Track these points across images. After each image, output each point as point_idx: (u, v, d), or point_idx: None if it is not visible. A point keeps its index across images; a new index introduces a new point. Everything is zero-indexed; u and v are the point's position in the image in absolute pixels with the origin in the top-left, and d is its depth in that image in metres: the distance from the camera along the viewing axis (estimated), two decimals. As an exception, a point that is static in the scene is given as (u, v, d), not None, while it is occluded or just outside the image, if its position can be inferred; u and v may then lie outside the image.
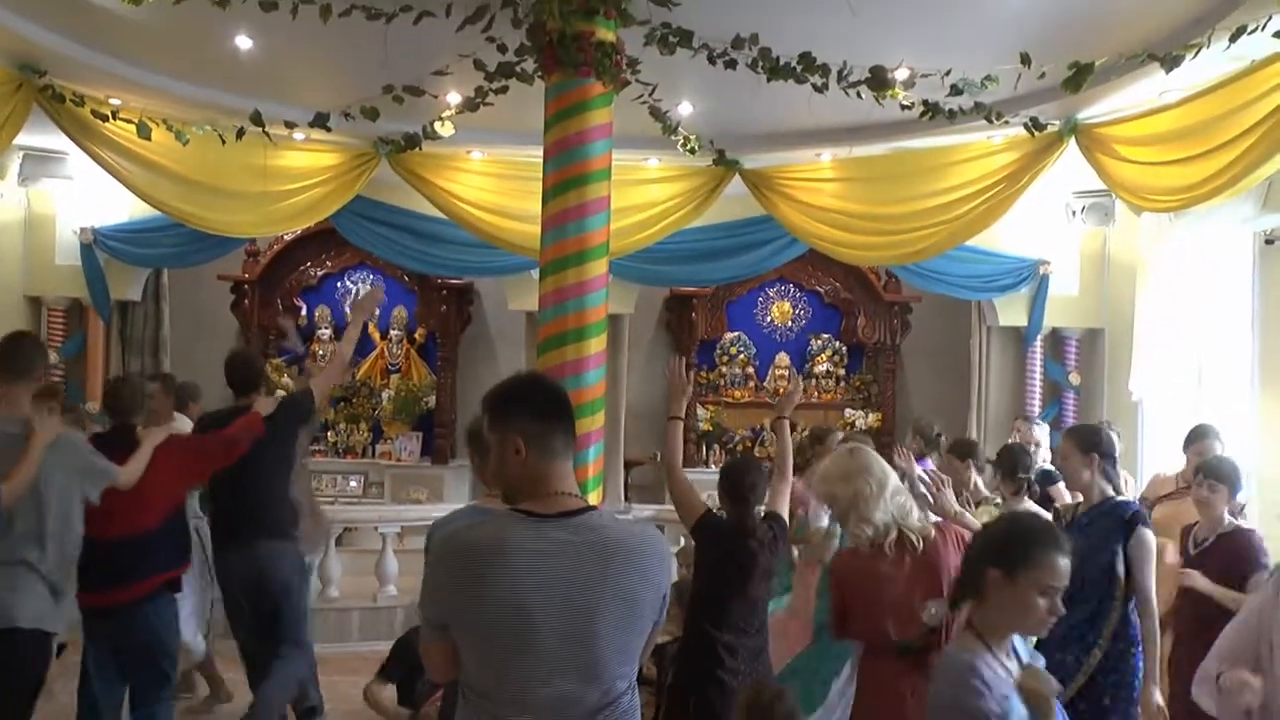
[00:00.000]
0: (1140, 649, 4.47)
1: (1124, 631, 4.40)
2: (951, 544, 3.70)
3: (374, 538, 8.97)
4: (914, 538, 3.65)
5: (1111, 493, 4.66)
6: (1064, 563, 2.71)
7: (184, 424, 6.23)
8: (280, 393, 6.52)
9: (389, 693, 5.90)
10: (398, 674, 5.90)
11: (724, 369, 11.53)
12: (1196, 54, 5.54)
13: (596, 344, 5.89)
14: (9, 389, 4.58)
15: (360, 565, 8.92)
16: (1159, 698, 4.32)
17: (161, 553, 5.18)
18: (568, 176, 5.81)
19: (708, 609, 4.57)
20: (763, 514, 4.74)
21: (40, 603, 4.54)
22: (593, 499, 5.81)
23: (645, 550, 2.55)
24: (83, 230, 9.44)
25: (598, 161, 5.86)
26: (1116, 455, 4.85)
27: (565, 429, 2.61)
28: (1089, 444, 4.65)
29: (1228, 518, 5.07)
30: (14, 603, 4.48)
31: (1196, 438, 6.15)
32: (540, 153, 6.02)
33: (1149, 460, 8.53)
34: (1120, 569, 4.42)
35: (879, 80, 6.08)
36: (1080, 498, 4.77)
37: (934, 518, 3.85)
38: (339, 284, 11.58)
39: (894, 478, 3.76)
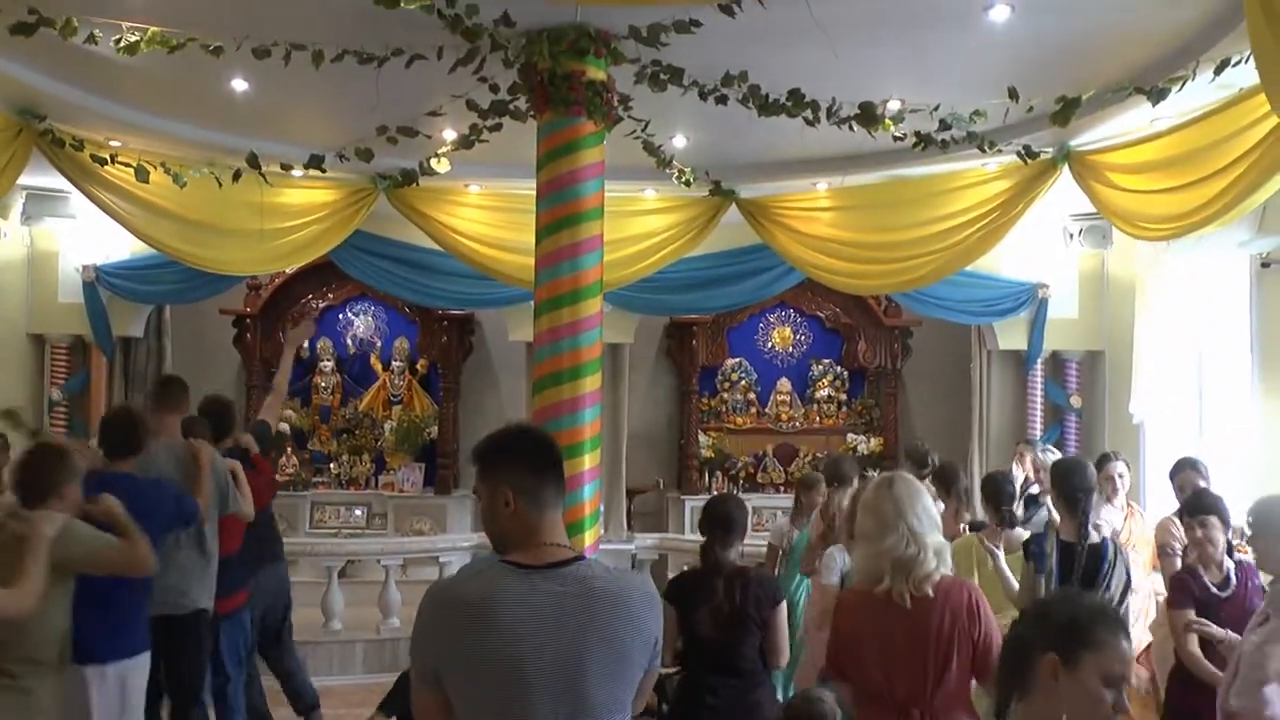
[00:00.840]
0: None
1: None
2: (955, 606, 3.42)
3: (377, 569, 9.00)
4: (904, 593, 3.43)
5: (1065, 524, 4.95)
6: (1127, 646, 2.31)
7: None
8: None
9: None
10: (398, 708, 5.90)
11: (725, 395, 11.53)
12: (1182, 86, 5.58)
13: (591, 382, 5.88)
14: (168, 420, 5.59)
15: (363, 597, 8.94)
16: None
17: (247, 567, 6.12)
18: (560, 216, 5.84)
19: (690, 649, 4.61)
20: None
21: (211, 588, 5.53)
22: (589, 536, 5.84)
23: (633, 599, 2.56)
24: (85, 268, 9.49)
25: (590, 200, 5.89)
26: (1079, 489, 4.91)
27: (556, 480, 2.63)
28: (1049, 477, 5.03)
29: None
30: (201, 589, 5.45)
31: (1176, 470, 6.17)
32: (537, 185, 6.07)
33: (1151, 483, 8.51)
34: None
35: (868, 116, 6.11)
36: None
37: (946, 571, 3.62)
38: (340, 316, 11.63)
39: (903, 528, 3.48)
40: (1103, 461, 6.74)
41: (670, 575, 9.45)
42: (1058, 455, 7.50)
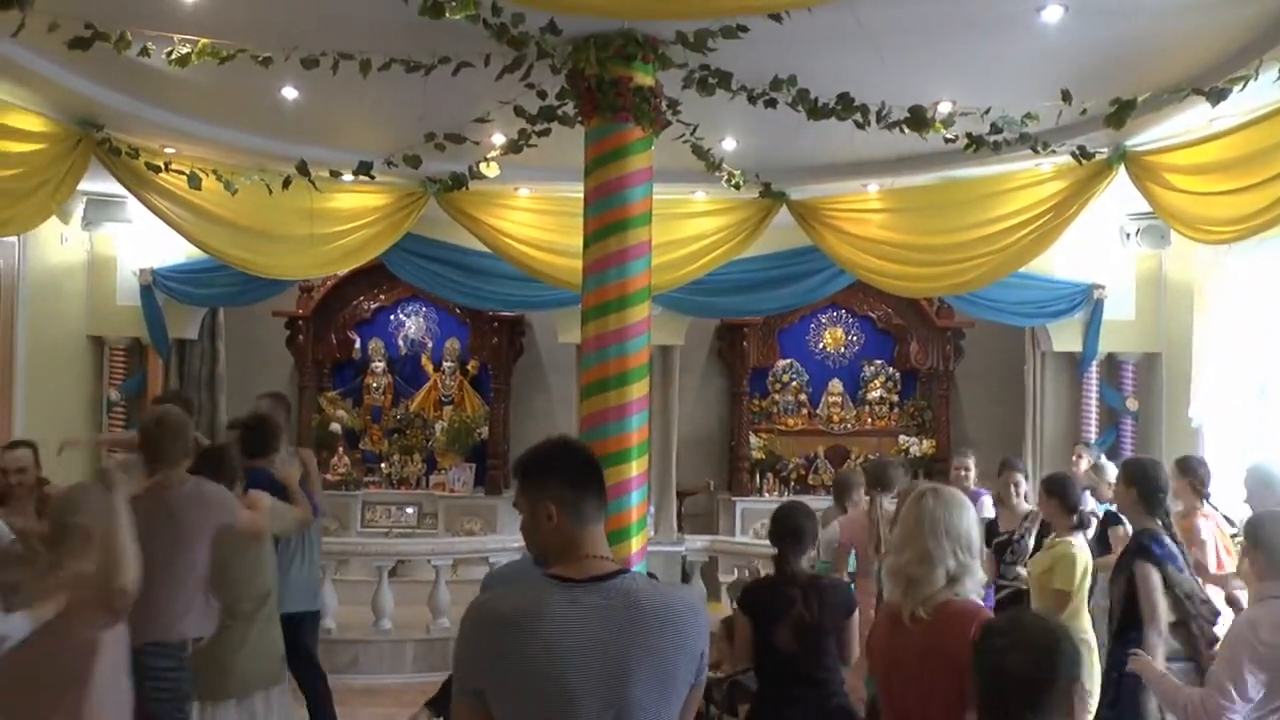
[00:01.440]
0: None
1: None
2: (950, 634, 3.26)
3: (427, 569, 9.07)
4: (906, 610, 3.36)
5: (1145, 525, 4.73)
6: None
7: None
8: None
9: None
10: (446, 709, 5.92)
11: (777, 396, 11.50)
12: (1244, 86, 5.42)
13: (638, 388, 5.85)
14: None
15: (414, 596, 9.01)
16: None
17: None
18: (608, 222, 5.81)
19: (766, 660, 4.58)
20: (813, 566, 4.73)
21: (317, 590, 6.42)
22: (635, 542, 5.82)
23: (678, 613, 2.54)
24: (142, 272, 9.64)
25: (638, 206, 5.85)
26: (1158, 489, 4.78)
27: (597, 492, 2.62)
28: (1125, 478, 4.83)
29: None
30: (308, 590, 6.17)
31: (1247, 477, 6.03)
32: (587, 187, 6.07)
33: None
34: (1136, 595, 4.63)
35: (918, 119, 6.03)
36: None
37: (965, 594, 3.45)
38: (392, 317, 11.74)
39: (921, 544, 3.38)
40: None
41: (721, 578, 9.47)
42: (1109, 465, 7.38)
